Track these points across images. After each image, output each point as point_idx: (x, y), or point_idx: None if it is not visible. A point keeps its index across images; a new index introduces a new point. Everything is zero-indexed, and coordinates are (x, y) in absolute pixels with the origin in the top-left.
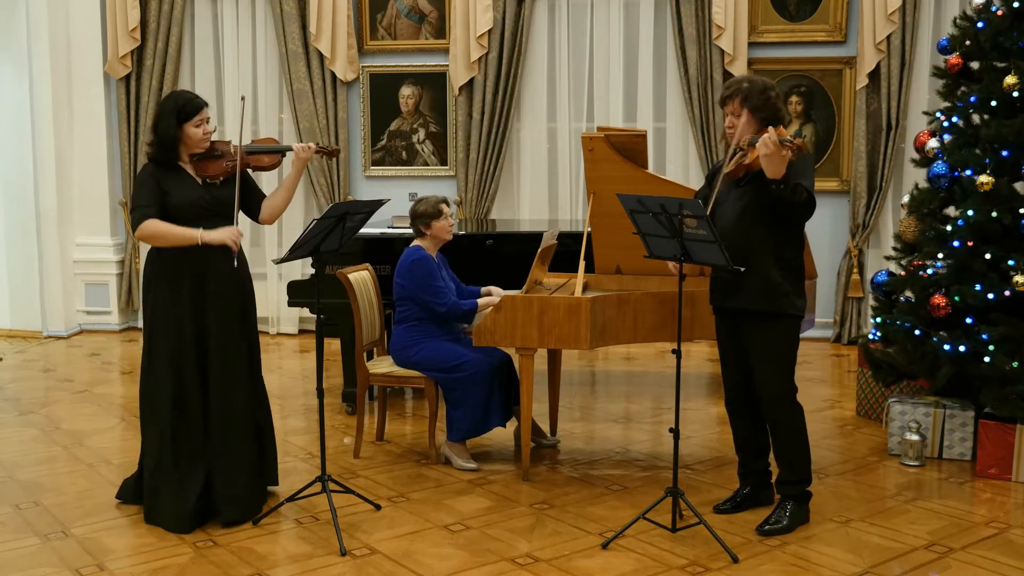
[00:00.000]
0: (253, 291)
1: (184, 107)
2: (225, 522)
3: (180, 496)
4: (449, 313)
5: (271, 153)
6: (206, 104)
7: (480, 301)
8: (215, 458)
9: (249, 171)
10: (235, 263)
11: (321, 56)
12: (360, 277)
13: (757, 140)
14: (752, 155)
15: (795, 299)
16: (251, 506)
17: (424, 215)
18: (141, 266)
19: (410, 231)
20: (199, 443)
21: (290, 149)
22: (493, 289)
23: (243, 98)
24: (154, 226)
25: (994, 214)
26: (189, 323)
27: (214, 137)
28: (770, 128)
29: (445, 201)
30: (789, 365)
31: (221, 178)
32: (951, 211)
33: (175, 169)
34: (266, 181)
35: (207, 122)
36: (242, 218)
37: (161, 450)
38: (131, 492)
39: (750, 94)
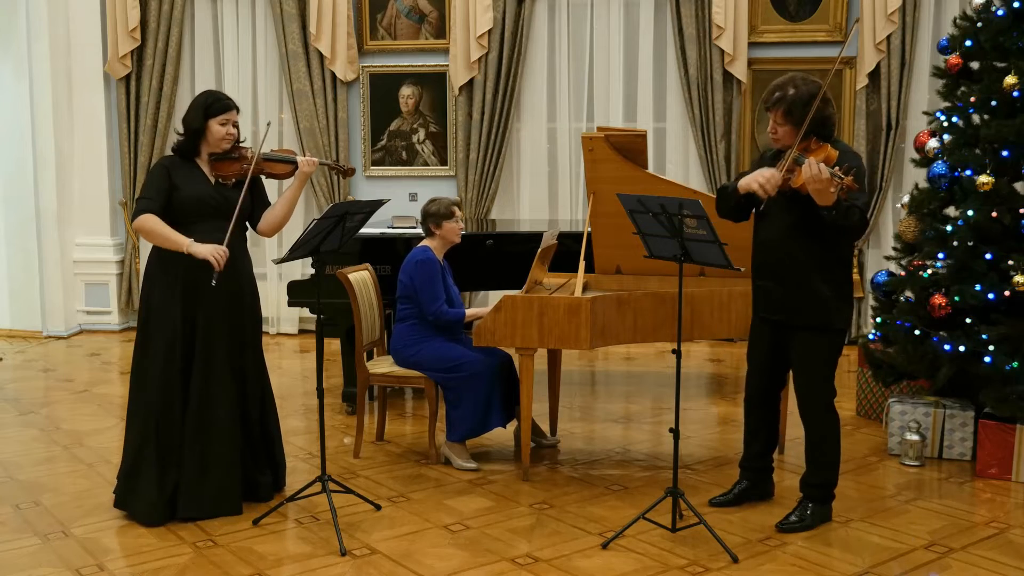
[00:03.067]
0: (255, 294)
1: (213, 104)
2: (183, 516)
3: (156, 488)
4: (436, 320)
5: (286, 163)
6: (236, 108)
7: (468, 312)
8: (187, 453)
9: (263, 178)
10: (213, 282)
11: (321, 56)
12: (360, 277)
13: (804, 161)
14: (799, 179)
15: (844, 312)
16: (217, 506)
17: (436, 215)
18: (141, 266)
19: (410, 231)
20: (179, 439)
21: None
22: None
23: (268, 124)
24: (149, 222)
25: (994, 214)
26: (180, 321)
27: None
28: (821, 165)
29: (457, 204)
30: (830, 373)
31: (233, 180)
32: (951, 211)
33: (191, 164)
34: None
35: (233, 124)
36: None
37: (144, 440)
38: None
39: (792, 107)
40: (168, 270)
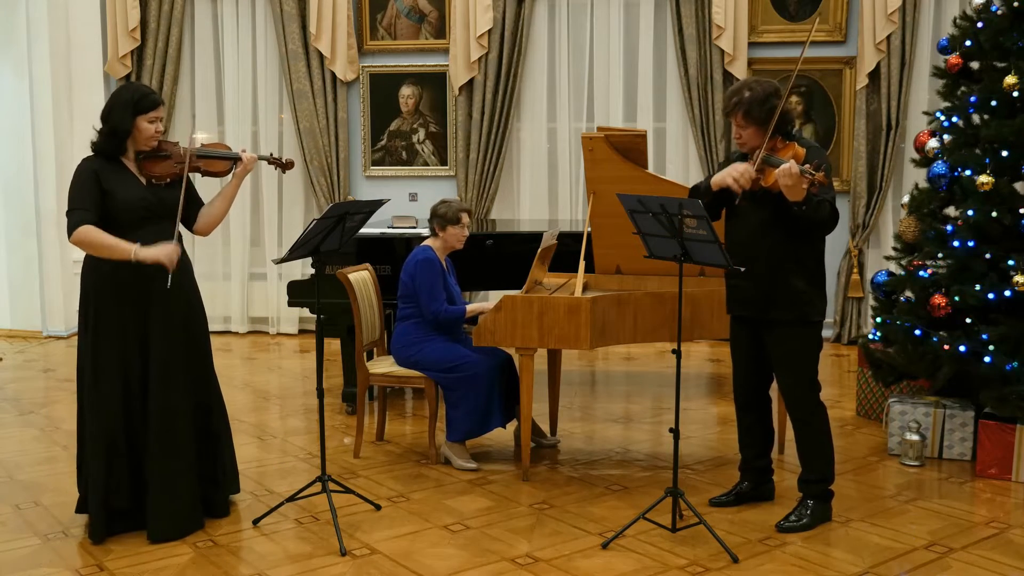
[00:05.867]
0: (199, 298)
1: (141, 100)
2: (154, 539)
3: (104, 504)
4: (435, 319)
5: (222, 159)
6: (163, 102)
7: (469, 307)
8: (153, 473)
9: (197, 175)
10: (168, 283)
11: (321, 56)
12: (360, 277)
13: (773, 160)
14: (769, 178)
15: (818, 304)
16: (187, 521)
17: (443, 217)
18: None
19: (410, 231)
20: (140, 454)
21: (240, 158)
22: (481, 306)
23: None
24: (89, 234)
25: (994, 214)
26: (132, 334)
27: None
28: (792, 162)
29: (468, 211)
30: (812, 367)
31: (167, 180)
32: (951, 211)
33: (118, 165)
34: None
35: (160, 121)
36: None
37: (103, 460)
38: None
39: (751, 107)
40: (111, 283)
